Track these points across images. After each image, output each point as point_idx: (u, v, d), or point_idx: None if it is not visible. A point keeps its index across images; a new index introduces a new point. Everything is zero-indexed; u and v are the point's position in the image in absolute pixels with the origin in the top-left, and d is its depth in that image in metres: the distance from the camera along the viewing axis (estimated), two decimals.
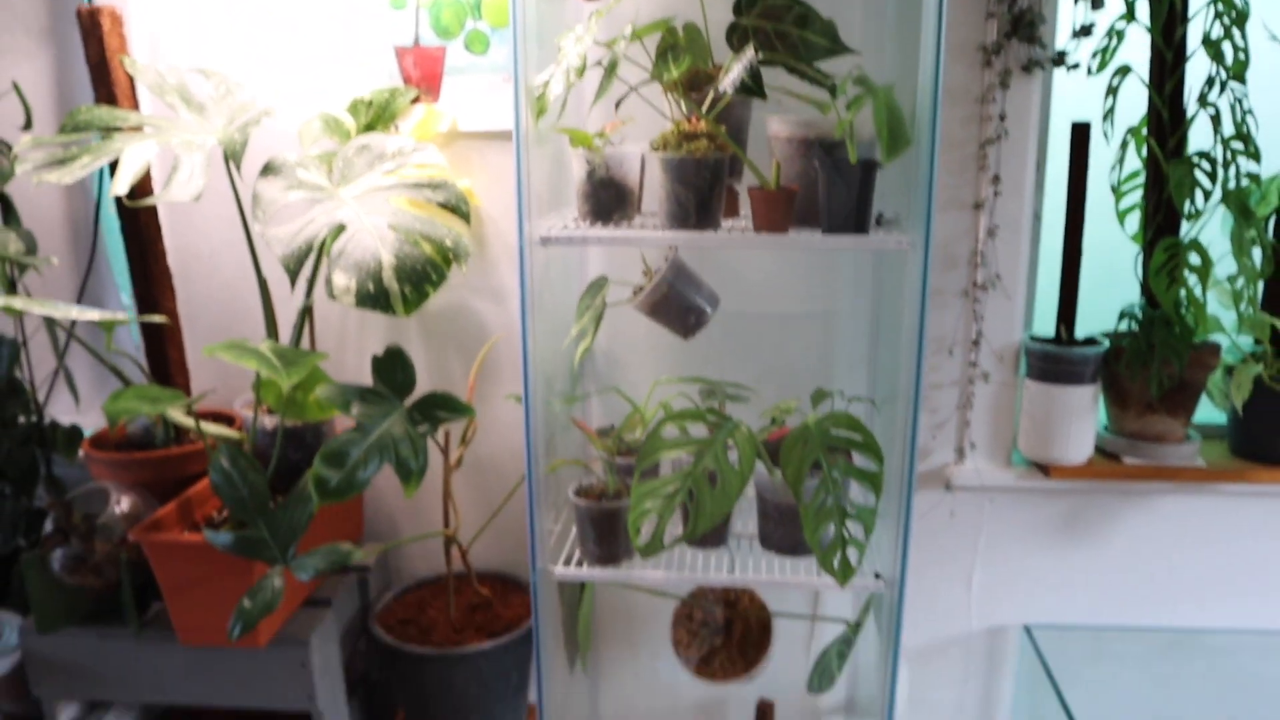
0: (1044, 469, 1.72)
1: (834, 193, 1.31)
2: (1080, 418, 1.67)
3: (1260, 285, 1.69)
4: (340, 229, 1.46)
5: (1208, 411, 1.83)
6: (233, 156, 1.52)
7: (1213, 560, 1.82)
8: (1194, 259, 1.59)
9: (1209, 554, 1.82)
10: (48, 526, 1.59)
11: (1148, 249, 1.65)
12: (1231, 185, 1.61)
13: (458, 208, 1.55)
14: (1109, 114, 1.64)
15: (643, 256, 1.50)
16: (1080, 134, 1.65)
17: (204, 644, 1.53)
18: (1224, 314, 1.70)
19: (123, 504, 1.60)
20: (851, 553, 1.36)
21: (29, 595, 1.57)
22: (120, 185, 1.46)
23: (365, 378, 1.60)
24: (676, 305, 1.46)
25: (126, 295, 1.92)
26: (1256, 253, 1.66)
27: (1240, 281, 1.66)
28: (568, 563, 1.52)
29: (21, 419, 1.77)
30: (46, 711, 1.66)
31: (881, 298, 1.66)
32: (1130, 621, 1.87)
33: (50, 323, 1.69)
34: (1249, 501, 1.78)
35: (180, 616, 1.52)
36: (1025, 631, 1.87)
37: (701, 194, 1.34)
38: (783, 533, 1.48)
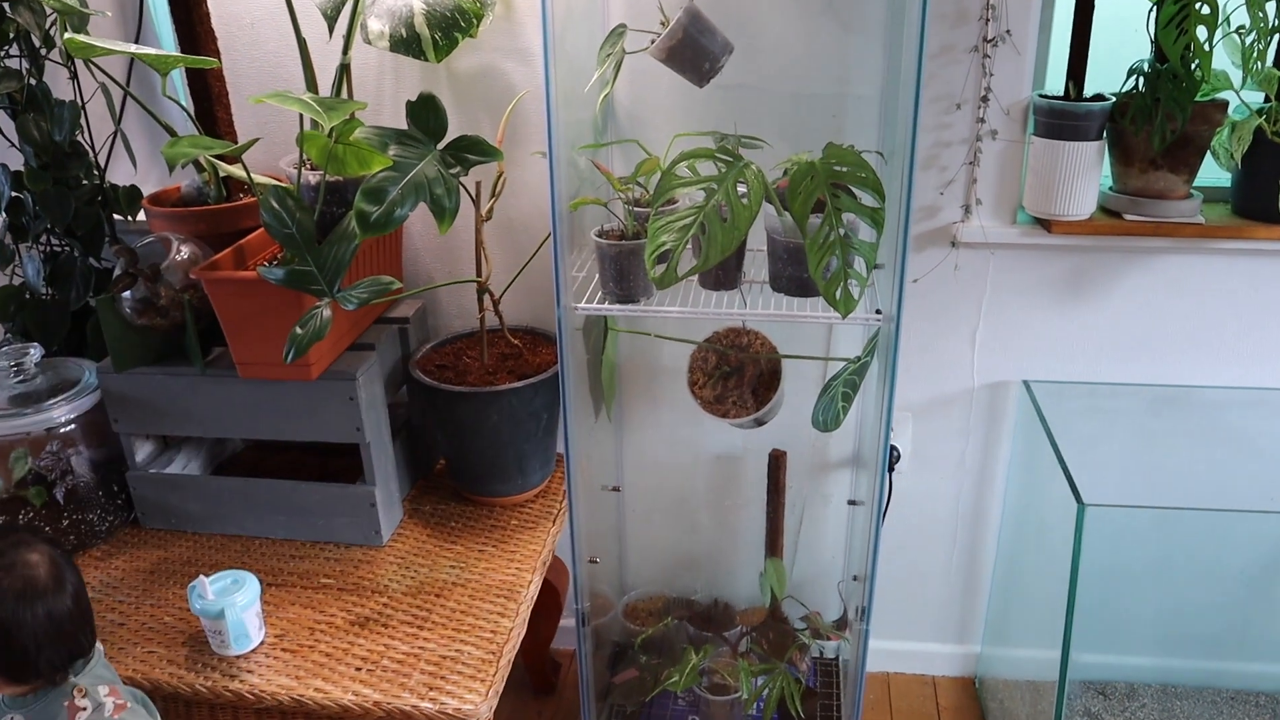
0: (1046, 225, 1.80)
1: None
2: (1084, 174, 1.73)
3: (1274, 41, 1.71)
4: None
5: (1216, 175, 1.88)
6: None
7: (1208, 318, 1.90)
8: (1204, 10, 1.61)
9: (1205, 312, 1.89)
10: (116, 273, 1.73)
11: (1160, 3, 1.67)
12: None
13: None
14: None
15: (660, 6, 1.55)
16: None
17: (261, 376, 1.69)
18: (1235, 74, 1.73)
19: (183, 252, 1.73)
20: (852, 285, 1.47)
21: (104, 334, 1.73)
22: None
23: None
24: (691, 52, 1.52)
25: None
26: (1271, 8, 1.67)
27: (1251, 36, 1.68)
28: (590, 303, 1.64)
29: (85, 182, 1.90)
30: (126, 447, 1.85)
31: (896, 59, 1.70)
32: (1125, 378, 1.97)
33: (106, 90, 1.79)
34: (1247, 260, 1.84)
35: (239, 351, 1.67)
36: (1024, 386, 1.99)
37: None
38: (791, 273, 1.59)
